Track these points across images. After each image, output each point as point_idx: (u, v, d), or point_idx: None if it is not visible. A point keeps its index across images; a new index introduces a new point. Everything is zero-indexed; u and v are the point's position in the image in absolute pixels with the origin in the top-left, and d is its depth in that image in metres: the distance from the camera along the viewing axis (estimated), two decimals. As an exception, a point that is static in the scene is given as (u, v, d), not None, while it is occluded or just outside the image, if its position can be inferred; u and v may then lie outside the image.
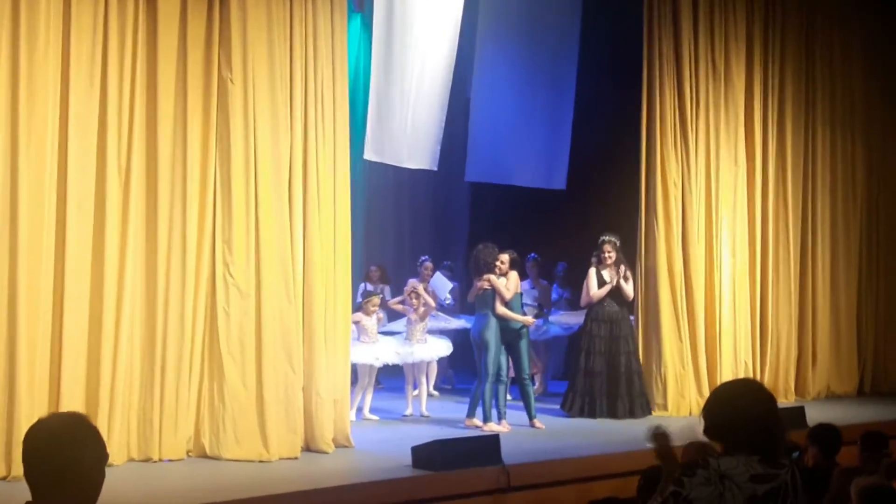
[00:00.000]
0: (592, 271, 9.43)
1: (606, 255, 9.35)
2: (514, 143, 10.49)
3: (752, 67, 10.41)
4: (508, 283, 8.63)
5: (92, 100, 6.60)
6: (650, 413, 9.26)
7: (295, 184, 7.39)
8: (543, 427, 8.64)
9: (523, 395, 8.85)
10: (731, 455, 3.00)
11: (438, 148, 9.20)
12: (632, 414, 9.15)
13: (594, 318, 9.41)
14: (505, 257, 8.72)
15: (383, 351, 8.96)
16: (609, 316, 9.35)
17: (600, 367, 9.26)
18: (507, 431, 8.21)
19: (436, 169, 9.42)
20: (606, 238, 9.42)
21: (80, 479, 2.44)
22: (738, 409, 3.07)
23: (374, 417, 8.93)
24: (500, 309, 8.54)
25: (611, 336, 9.31)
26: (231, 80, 7.12)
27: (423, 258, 10.82)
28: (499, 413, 8.56)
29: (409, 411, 9.24)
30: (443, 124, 9.17)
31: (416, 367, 9.39)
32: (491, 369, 8.46)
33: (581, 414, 9.22)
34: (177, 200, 6.96)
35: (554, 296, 11.28)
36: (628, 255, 9.62)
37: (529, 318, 8.98)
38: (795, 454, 4.75)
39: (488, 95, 10.37)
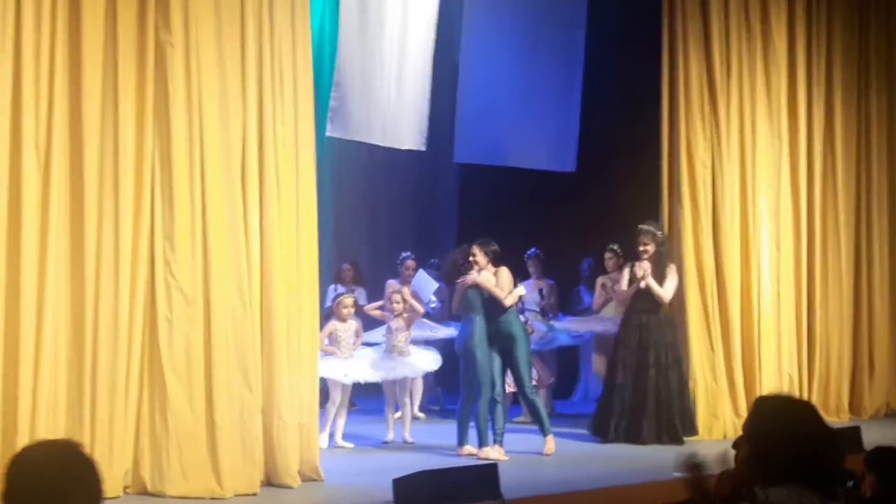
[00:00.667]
0: (627, 268, 9.52)
1: (641, 248, 9.34)
2: (512, 118, 10.55)
3: (794, 22, 10.45)
4: (500, 281, 8.63)
5: (2, 70, 6.56)
6: (680, 442, 9.14)
7: (249, 167, 7.39)
8: (552, 450, 8.68)
9: (532, 410, 8.88)
10: (780, 485, 3.02)
11: (426, 124, 9.26)
12: (658, 439, 9.17)
13: (623, 324, 9.49)
14: (476, 249, 8.68)
15: (355, 367, 8.96)
16: (640, 321, 9.37)
17: (624, 380, 9.31)
18: (505, 460, 8.22)
19: (423, 149, 9.48)
20: (643, 227, 9.40)
21: None
22: (787, 430, 3.08)
23: (349, 445, 8.95)
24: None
25: (639, 345, 9.33)
26: (171, 45, 7.11)
27: (405, 255, 10.84)
28: (494, 437, 8.57)
29: (390, 437, 9.26)
30: (428, 95, 9.23)
31: (399, 384, 9.40)
32: (483, 384, 8.47)
33: (605, 436, 9.27)
34: (107, 188, 6.94)
35: (586, 299, 11.30)
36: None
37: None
38: (850, 483, 4.77)
39: (480, 62, 10.42)
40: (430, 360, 9.52)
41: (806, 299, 10.51)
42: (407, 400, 9.50)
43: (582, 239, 11.65)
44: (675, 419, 9.27)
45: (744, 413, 9.67)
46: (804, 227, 10.52)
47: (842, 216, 10.77)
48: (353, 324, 9.17)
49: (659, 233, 9.39)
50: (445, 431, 9.33)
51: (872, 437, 8.13)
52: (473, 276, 8.60)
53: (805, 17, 10.53)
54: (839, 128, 10.80)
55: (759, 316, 10.07)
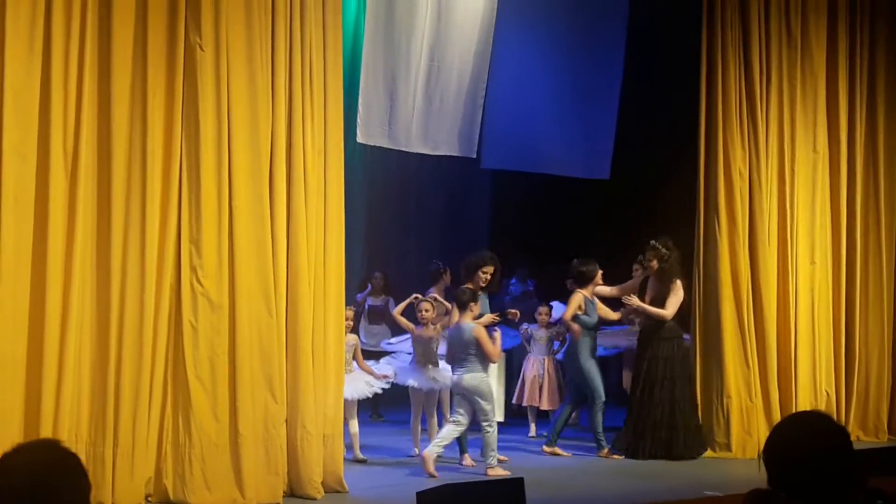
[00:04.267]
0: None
1: (646, 264, 9.60)
2: (544, 123, 10.53)
3: (836, 33, 10.35)
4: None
5: (32, 72, 6.63)
6: (676, 459, 9.18)
7: (277, 173, 7.41)
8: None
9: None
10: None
11: (476, 130, 9.30)
12: (652, 455, 9.23)
13: (640, 339, 9.66)
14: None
15: (349, 384, 8.59)
16: (651, 336, 9.52)
17: (647, 396, 9.38)
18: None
19: (473, 156, 9.54)
20: (651, 243, 9.56)
21: None
22: (806, 447, 3.07)
23: (364, 458, 8.87)
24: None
25: (651, 359, 9.47)
26: (201, 47, 7.15)
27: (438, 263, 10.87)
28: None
29: (416, 451, 9.17)
30: (480, 101, 9.28)
31: (428, 396, 9.29)
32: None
33: (635, 455, 9.32)
34: (134, 192, 6.98)
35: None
36: (684, 259, 9.63)
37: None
38: (880, 502, 4.71)
39: (512, 66, 10.38)
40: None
41: (845, 316, 10.41)
42: (434, 412, 9.37)
43: (616, 249, 11.59)
44: (679, 434, 9.29)
45: (779, 431, 9.60)
46: (844, 241, 10.42)
47: (883, 232, 10.65)
48: (351, 337, 8.91)
49: (664, 250, 9.48)
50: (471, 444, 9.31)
51: (911, 458, 8.05)
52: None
53: (847, 28, 10.43)
54: (882, 142, 10.67)
55: (796, 332, 9.98)
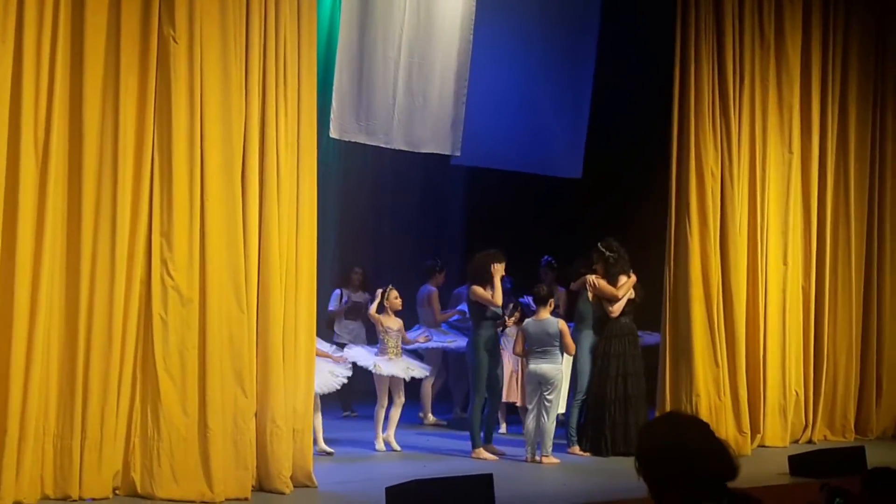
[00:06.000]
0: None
1: (593, 266, 9.77)
2: (518, 122, 10.56)
3: (809, 34, 10.42)
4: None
5: (3, 63, 6.57)
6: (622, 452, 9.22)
7: (250, 167, 7.39)
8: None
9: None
10: None
11: (461, 128, 9.34)
12: (616, 451, 9.30)
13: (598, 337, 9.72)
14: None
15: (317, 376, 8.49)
16: (607, 334, 9.62)
17: (595, 391, 9.49)
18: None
19: (459, 154, 9.55)
20: (597, 245, 9.75)
21: None
22: (674, 448, 3.09)
23: (331, 450, 8.86)
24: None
25: (604, 356, 9.56)
26: (174, 40, 7.12)
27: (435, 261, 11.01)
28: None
29: (379, 441, 9.20)
30: (463, 99, 9.33)
31: (394, 383, 9.31)
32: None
33: (598, 452, 9.41)
34: (105, 184, 6.94)
35: None
36: (655, 258, 9.68)
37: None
38: (839, 501, 4.76)
39: (488, 64, 10.39)
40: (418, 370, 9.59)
41: (814, 316, 10.49)
42: (397, 400, 9.36)
43: (587, 247, 11.63)
44: (633, 431, 9.34)
45: (747, 429, 9.68)
46: (814, 242, 10.49)
47: (853, 232, 10.72)
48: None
49: (609, 252, 9.64)
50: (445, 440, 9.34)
51: (877, 458, 8.13)
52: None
53: (821, 29, 10.49)
54: (853, 143, 10.76)
55: (766, 331, 10.05)
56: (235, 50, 7.35)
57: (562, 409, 9.53)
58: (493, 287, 9.04)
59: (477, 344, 9.10)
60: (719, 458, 3.09)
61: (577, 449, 9.35)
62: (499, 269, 9.13)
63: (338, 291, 11.06)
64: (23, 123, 6.63)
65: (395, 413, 9.31)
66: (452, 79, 9.44)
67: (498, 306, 9.12)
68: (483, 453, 8.99)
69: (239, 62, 7.37)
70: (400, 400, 9.34)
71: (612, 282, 9.59)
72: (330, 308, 10.69)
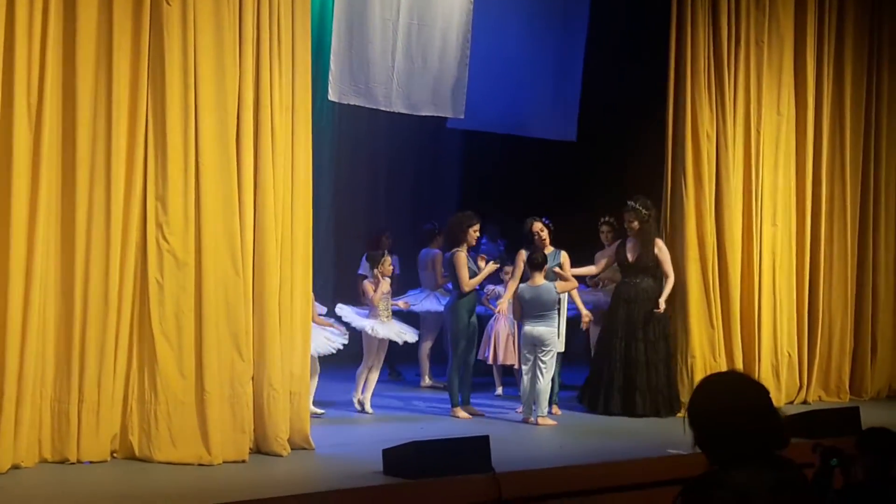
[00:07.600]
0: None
1: (626, 224, 9.66)
2: (511, 86, 10.51)
3: (805, -5, 10.39)
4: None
5: (-6, 23, 6.53)
6: (675, 413, 9.31)
7: (244, 129, 7.34)
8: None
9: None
10: (740, 465, 3.04)
11: (464, 90, 9.31)
12: (655, 412, 9.35)
13: (616, 297, 9.68)
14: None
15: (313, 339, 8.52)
16: (630, 296, 9.57)
17: (619, 353, 9.47)
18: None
19: (462, 116, 9.52)
20: (629, 204, 9.61)
21: None
22: (731, 410, 3.10)
23: (319, 411, 8.87)
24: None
25: (628, 319, 9.52)
26: (167, 2, 7.05)
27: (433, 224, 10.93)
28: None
29: (357, 399, 9.28)
30: (466, 60, 9.30)
31: (381, 346, 9.38)
32: None
33: (595, 407, 9.48)
34: (99, 147, 6.90)
35: None
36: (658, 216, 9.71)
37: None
38: (834, 461, 4.78)
39: (480, 29, 10.33)
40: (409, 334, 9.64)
41: (808, 278, 10.50)
42: (377, 364, 9.39)
43: (584, 209, 11.62)
44: (667, 392, 9.46)
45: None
46: (809, 204, 10.49)
47: (849, 194, 10.73)
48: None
49: (644, 210, 9.54)
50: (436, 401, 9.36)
51: (872, 418, 8.15)
52: None
53: (816, -11, 10.46)
54: (849, 104, 10.74)
55: (760, 293, 10.07)
56: (229, 12, 7.28)
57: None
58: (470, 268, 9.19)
59: (456, 306, 9.19)
60: (773, 425, 3.13)
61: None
62: (473, 234, 9.28)
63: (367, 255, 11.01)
64: (15, 86, 6.56)
65: (374, 376, 9.37)
66: (454, 40, 9.32)
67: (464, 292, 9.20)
68: (460, 412, 9.15)
69: (232, 24, 7.31)
70: (379, 364, 9.42)
71: (649, 244, 9.50)
72: (360, 272, 10.62)
